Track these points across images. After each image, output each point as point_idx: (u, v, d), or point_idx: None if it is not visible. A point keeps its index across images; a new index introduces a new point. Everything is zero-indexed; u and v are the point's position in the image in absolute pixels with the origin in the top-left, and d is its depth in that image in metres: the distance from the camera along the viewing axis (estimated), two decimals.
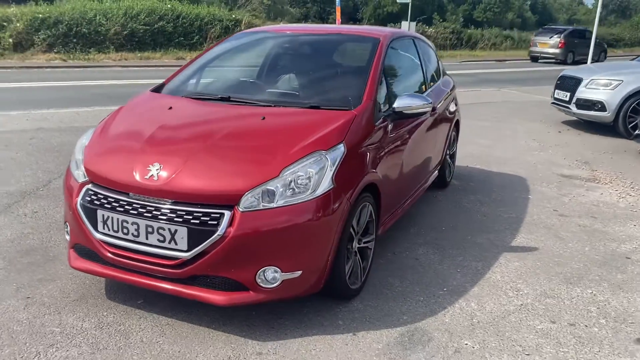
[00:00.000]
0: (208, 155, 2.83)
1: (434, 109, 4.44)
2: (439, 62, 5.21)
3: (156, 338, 2.73)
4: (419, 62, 4.56)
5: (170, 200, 2.68)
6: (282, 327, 2.88)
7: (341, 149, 2.92)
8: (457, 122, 5.56)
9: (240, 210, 2.61)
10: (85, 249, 2.94)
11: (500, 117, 10.01)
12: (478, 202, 5.11)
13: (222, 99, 3.44)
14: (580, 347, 2.81)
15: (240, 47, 4.12)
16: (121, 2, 19.20)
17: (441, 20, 33.21)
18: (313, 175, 2.74)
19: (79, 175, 3.00)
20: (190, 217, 2.63)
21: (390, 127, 3.48)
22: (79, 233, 2.93)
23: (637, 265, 3.84)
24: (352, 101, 3.32)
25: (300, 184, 2.71)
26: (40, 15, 17.14)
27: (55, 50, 16.83)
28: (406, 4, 24.83)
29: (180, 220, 2.63)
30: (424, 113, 3.62)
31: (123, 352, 2.61)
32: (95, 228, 2.83)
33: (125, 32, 18.27)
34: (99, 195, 2.84)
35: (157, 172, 2.73)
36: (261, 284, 2.68)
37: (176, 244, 2.64)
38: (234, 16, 21.66)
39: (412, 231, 4.29)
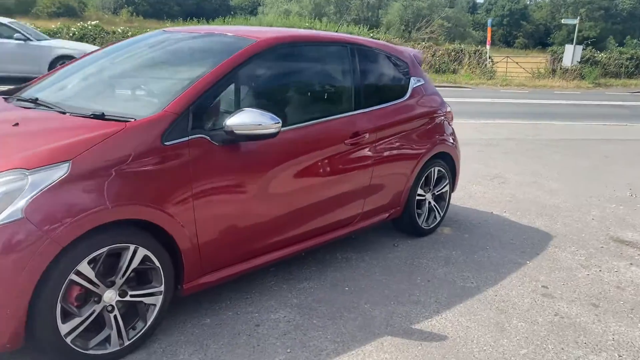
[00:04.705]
0: None
1: (356, 134, 3.45)
2: (420, 79, 4.10)
3: None
4: (351, 76, 3.57)
5: None
6: None
7: (62, 169, 2.22)
8: (448, 157, 4.34)
9: None
10: None
11: (614, 156, 8.11)
12: (443, 261, 3.90)
13: (30, 101, 2.96)
14: None
15: (124, 46, 3.57)
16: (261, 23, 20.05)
17: (617, 45, 29.01)
18: None
19: None
20: None
21: (214, 150, 2.67)
22: None
23: None
24: (147, 111, 2.60)
25: None
26: None
27: None
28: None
29: None
30: (268, 135, 2.73)
31: None
32: None
33: None
34: None
35: None
36: None
37: None
38: (372, 36, 21.32)
39: (302, 286, 3.34)
